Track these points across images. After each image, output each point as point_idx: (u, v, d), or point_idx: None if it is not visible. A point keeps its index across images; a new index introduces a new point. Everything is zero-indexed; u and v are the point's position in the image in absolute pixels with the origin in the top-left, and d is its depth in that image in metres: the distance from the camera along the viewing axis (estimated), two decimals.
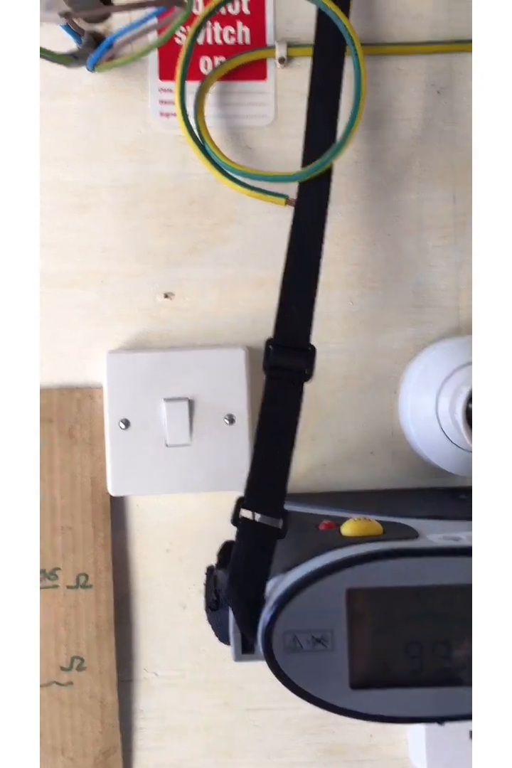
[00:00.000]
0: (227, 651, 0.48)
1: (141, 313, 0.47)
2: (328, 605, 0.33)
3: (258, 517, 0.36)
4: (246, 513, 0.36)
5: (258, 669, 0.48)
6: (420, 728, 0.45)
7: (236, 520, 0.36)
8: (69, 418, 0.47)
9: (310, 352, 0.38)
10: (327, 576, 0.33)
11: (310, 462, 0.48)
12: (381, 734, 0.48)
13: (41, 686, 0.47)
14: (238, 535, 0.35)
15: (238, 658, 0.35)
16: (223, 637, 0.37)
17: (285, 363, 0.38)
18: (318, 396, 0.48)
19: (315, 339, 0.47)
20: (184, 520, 0.48)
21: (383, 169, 0.47)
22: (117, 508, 0.47)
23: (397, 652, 0.34)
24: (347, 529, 0.36)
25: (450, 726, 0.44)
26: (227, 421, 0.45)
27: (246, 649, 0.35)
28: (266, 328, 0.47)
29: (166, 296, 0.47)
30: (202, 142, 0.44)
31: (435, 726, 0.44)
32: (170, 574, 0.48)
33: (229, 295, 0.47)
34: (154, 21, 0.43)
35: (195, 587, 0.48)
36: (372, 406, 0.48)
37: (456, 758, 0.44)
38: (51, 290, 0.47)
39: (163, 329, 0.47)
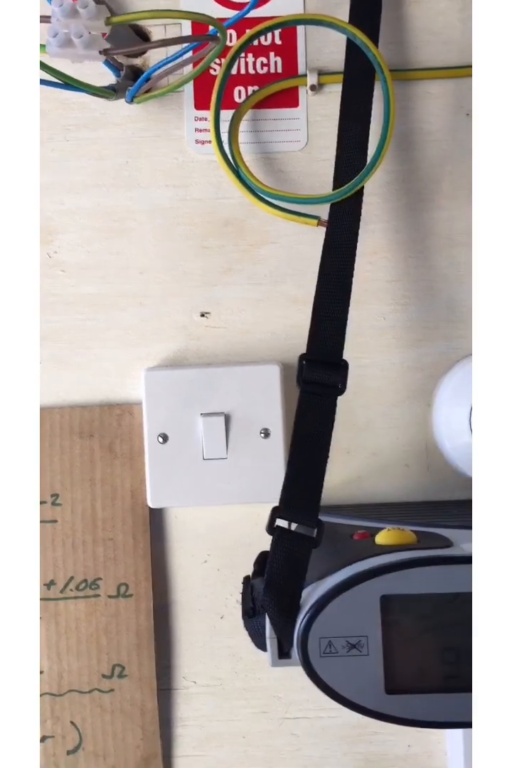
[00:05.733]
0: (264, 660, 0.49)
1: (178, 331, 0.49)
2: (363, 611, 0.34)
3: (293, 526, 0.38)
4: (281, 522, 0.37)
5: (295, 678, 0.49)
6: (458, 738, 0.45)
7: (271, 528, 0.37)
8: (109, 434, 0.49)
9: (343, 367, 0.39)
10: (362, 583, 0.34)
11: (345, 475, 0.49)
12: (419, 744, 0.48)
13: (84, 693, 0.48)
14: (274, 543, 0.37)
15: (274, 664, 0.36)
16: (260, 644, 0.38)
17: (318, 377, 0.39)
18: (352, 410, 0.49)
19: (348, 354, 0.48)
20: (221, 532, 0.49)
21: (414, 189, 0.48)
22: (156, 519, 0.49)
23: (432, 659, 0.34)
24: (381, 538, 0.37)
25: None
26: (262, 435, 0.47)
27: (282, 655, 0.36)
28: (299, 345, 0.49)
29: (202, 315, 0.49)
30: (236, 168, 0.46)
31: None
32: (208, 584, 0.49)
33: (263, 312, 0.49)
34: (190, 54, 0.45)
35: (232, 597, 0.49)
36: (406, 419, 0.49)
37: None
38: (92, 311, 0.49)
39: (199, 347, 0.49)
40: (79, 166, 0.48)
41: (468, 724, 0.34)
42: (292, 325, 0.49)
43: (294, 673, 0.49)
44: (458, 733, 0.45)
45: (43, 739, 0.49)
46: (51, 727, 0.49)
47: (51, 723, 0.49)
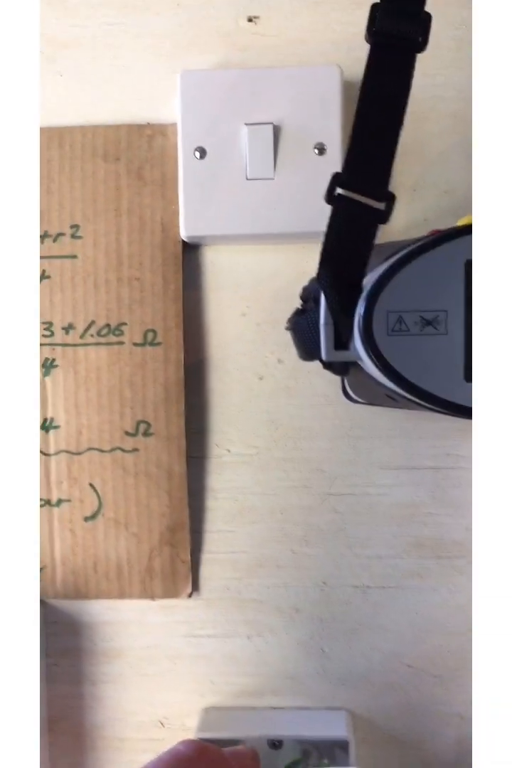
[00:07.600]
0: (307, 429, 0.43)
1: (221, 39, 0.42)
2: (442, 281, 0.28)
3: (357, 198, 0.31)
4: (343, 191, 0.30)
5: (342, 449, 0.43)
6: None
7: (331, 197, 0.30)
8: (138, 157, 0.42)
9: (425, 18, 0.32)
10: (442, 244, 0.27)
11: (409, 216, 0.42)
12: None
13: (104, 452, 0.43)
14: (333, 212, 0.30)
15: (328, 356, 0.30)
16: (310, 346, 0.31)
17: (394, 28, 0.31)
18: (421, 139, 0.41)
19: (419, 69, 0.41)
20: (263, 281, 0.43)
21: None
22: (190, 263, 0.43)
23: None
24: (464, 221, 0.30)
25: None
26: (316, 151, 0.39)
27: (339, 345, 0.30)
28: (364, 57, 0.41)
29: (250, 20, 0.42)
30: None
31: None
32: (246, 340, 0.43)
33: (322, 18, 0.41)
34: None
35: (273, 356, 0.43)
36: None
37: None
38: (121, 15, 0.42)
39: (245, 58, 0.42)
40: None
41: None
42: (357, 33, 0.41)
43: (340, 446, 0.43)
44: None
45: (58, 502, 0.44)
46: (67, 490, 0.44)
47: (67, 485, 0.44)
